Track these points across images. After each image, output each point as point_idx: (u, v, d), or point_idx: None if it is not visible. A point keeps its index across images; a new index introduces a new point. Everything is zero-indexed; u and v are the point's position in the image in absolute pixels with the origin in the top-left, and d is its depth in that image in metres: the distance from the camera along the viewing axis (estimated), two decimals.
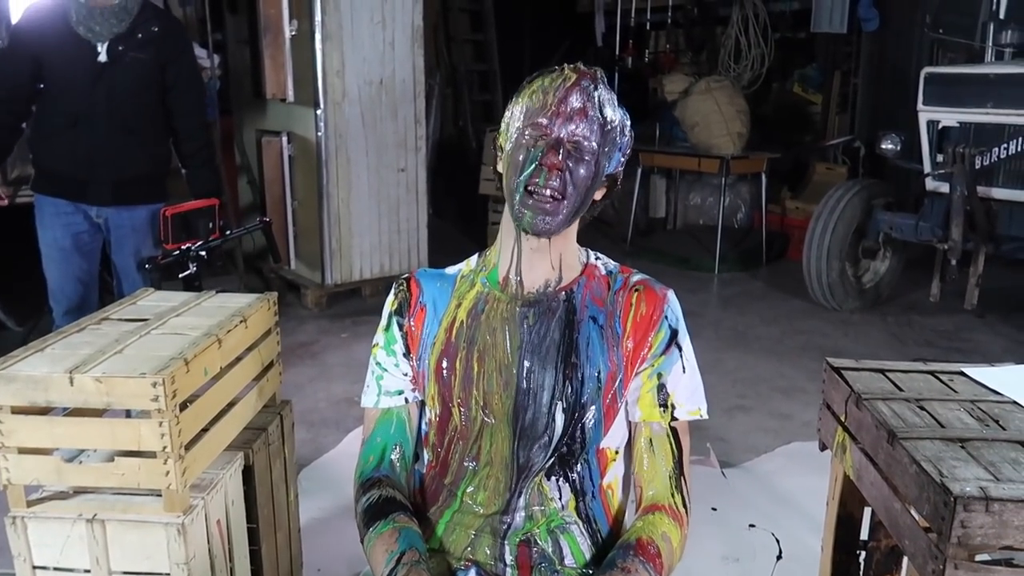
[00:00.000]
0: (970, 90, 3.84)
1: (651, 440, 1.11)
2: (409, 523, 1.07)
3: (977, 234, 3.83)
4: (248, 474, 1.67)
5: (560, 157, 1.05)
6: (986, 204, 3.82)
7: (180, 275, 2.38)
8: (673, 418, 1.12)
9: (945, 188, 3.87)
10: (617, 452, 1.15)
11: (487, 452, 1.11)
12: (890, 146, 4.30)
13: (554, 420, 1.09)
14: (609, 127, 1.10)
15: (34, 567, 1.43)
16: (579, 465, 1.12)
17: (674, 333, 1.13)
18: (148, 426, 1.33)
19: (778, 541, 2.29)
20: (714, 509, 2.45)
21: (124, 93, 2.58)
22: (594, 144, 1.07)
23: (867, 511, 1.84)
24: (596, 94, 1.08)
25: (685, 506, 1.10)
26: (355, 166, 4.50)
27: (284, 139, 4.62)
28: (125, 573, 1.42)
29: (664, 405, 1.11)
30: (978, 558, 1.24)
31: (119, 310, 1.71)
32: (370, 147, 4.53)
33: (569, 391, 1.09)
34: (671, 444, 1.11)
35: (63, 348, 1.45)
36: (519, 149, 1.08)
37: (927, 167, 4.07)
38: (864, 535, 1.88)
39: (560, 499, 1.12)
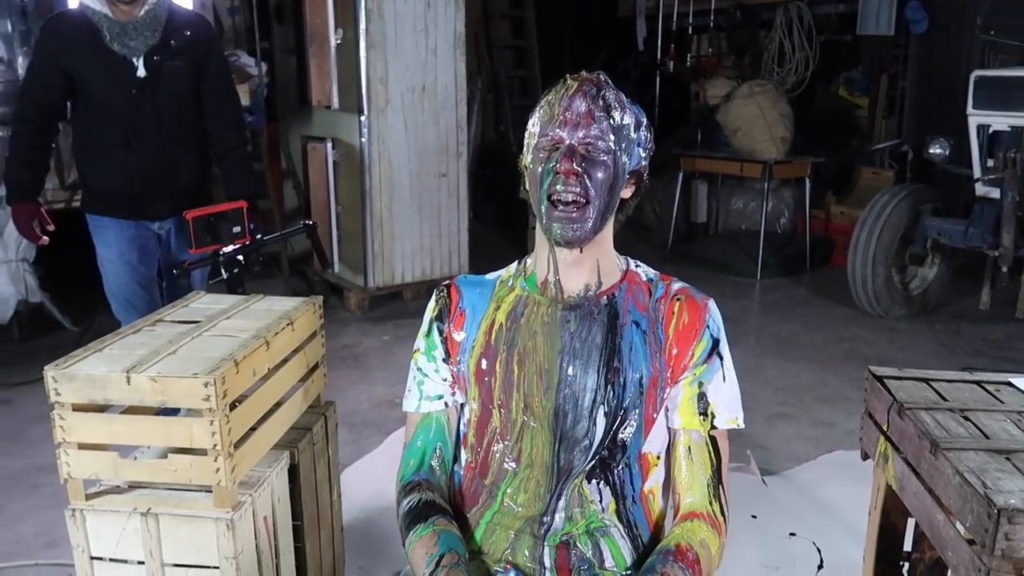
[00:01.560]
0: (1022, 93, 3.75)
1: (690, 448, 1.12)
2: (449, 526, 1.10)
3: None
4: (293, 472, 1.71)
5: (574, 163, 1.07)
6: None
7: (211, 280, 2.35)
8: (712, 427, 1.12)
9: (995, 194, 3.78)
10: (659, 457, 1.16)
11: (528, 454, 1.13)
12: (938, 151, 4.21)
13: (595, 424, 1.10)
14: (619, 124, 1.11)
15: (91, 558, 1.49)
16: (620, 468, 1.13)
17: (716, 342, 1.14)
18: (200, 425, 1.38)
19: (819, 550, 2.27)
20: (754, 517, 2.44)
21: (168, 104, 2.58)
22: (608, 144, 1.09)
23: (910, 521, 1.82)
24: (601, 96, 1.10)
25: (723, 514, 1.11)
26: (397, 171, 4.57)
27: (328, 145, 4.71)
28: (177, 566, 1.47)
29: (704, 414, 1.12)
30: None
31: (172, 312, 1.78)
32: (412, 153, 4.59)
33: (611, 395, 1.10)
34: (710, 452, 1.12)
35: (120, 349, 1.51)
36: (536, 163, 1.11)
37: (977, 172, 3.99)
38: (907, 546, 1.86)
39: (600, 502, 1.13)
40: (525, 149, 1.17)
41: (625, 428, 1.11)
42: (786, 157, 5.69)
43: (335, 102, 4.58)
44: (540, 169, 1.10)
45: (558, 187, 1.08)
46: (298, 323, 1.74)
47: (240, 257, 2.24)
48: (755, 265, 5.59)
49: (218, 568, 1.45)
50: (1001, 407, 1.54)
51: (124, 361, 1.43)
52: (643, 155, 1.16)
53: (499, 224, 6.78)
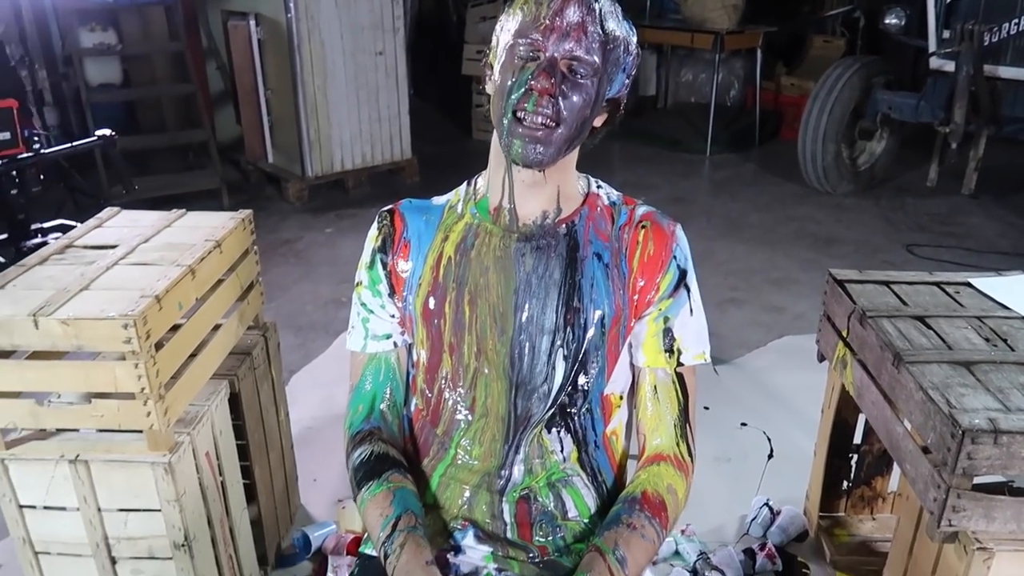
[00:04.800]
0: None
1: (655, 387, 1.05)
2: (403, 482, 1.03)
3: (980, 116, 3.69)
4: (235, 400, 1.62)
5: (553, 80, 0.93)
6: (991, 84, 3.66)
7: None
8: (679, 363, 1.05)
9: (950, 67, 3.70)
10: (622, 397, 1.09)
11: (482, 403, 1.04)
12: (895, 21, 4.07)
13: (554, 369, 1.02)
14: (612, 45, 0.96)
15: (20, 506, 1.40)
16: (581, 414, 1.06)
17: (683, 274, 1.04)
18: (123, 368, 1.27)
19: (769, 440, 2.31)
20: (706, 408, 2.46)
21: None
22: (594, 64, 0.95)
23: (860, 415, 1.84)
24: (598, 5, 0.95)
25: (690, 455, 1.06)
26: (330, 51, 4.24)
27: (252, 22, 4.33)
28: (117, 510, 1.40)
29: (670, 350, 1.04)
30: (976, 480, 1.23)
31: (85, 235, 1.61)
32: (344, 30, 4.26)
33: (571, 337, 1.01)
34: (677, 391, 1.05)
35: (25, 287, 1.36)
36: (507, 70, 0.95)
37: (933, 45, 3.88)
38: (857, 438, 1.90)
39: (562, 451, 1.06)
40: (494, 43, 1.00)
41: (586, 371, 1.03)
42: (738, 27, 5.47)
43: None
44: (511, 80, 0.95)
45: (527, 105, 0.93)
46: (227, 244, 1.60)
47: (14, 173, 1.85)
48: (704, 141, 5.49)
49: (160, 511, 1.38)
50: (962, 311, 1.52)
51: (30, 301, 1.29)
52: (626, 82, 1.02)
53: (442, 102, 6.47)
